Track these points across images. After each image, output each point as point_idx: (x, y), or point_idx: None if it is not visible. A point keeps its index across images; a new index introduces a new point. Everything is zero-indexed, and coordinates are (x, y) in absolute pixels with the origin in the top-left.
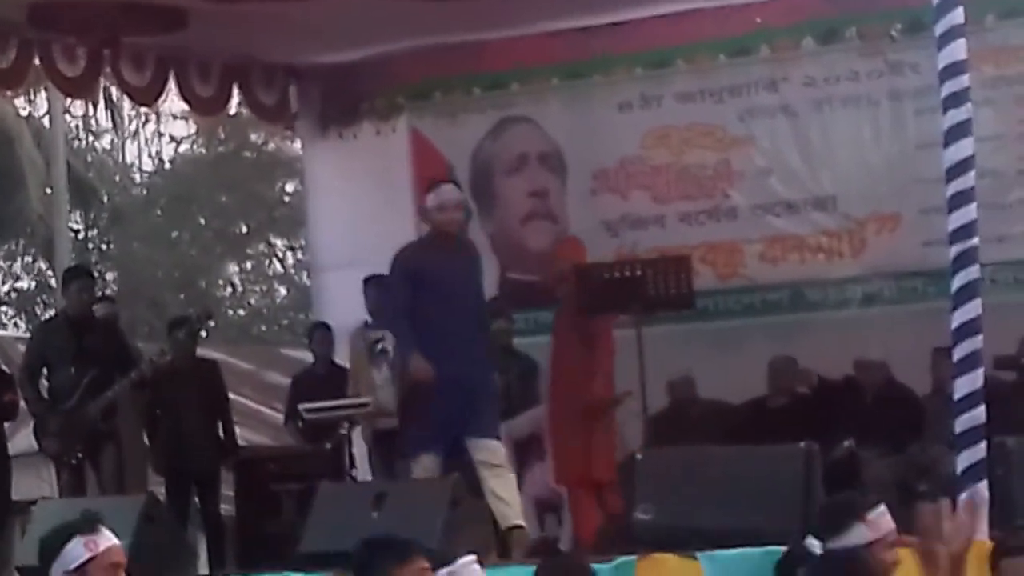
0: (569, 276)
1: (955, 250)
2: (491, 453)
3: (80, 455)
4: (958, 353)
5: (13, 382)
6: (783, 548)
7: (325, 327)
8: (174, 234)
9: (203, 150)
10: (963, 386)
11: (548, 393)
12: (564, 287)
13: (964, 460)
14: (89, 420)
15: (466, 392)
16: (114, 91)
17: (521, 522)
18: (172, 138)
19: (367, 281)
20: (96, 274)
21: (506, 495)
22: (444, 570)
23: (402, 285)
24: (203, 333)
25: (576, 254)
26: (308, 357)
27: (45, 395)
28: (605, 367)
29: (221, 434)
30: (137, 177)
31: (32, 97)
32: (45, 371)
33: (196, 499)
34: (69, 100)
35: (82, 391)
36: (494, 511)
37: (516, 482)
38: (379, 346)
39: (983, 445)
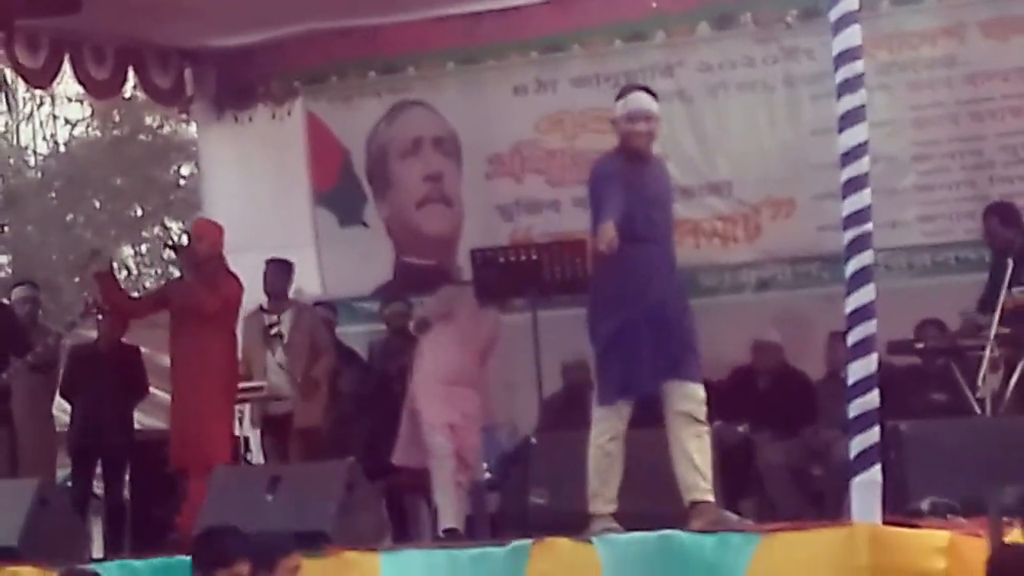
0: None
1: (849, 235)
2: (694, 404)
3: None
4: (852, 338)
5: None
6: (677, 532)
7: None
8: (69, 217)
9: (98, 133)
10: (857, 371)
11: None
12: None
13: (858, 445)
14: None
15: (667, 327)
16: (8, 73)
17: (710, 498)
18: (67, 121)
19: (269, 263)
20: None
21: (701, 462)
22: None
23: (608, 186)
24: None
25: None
26: None
27: None
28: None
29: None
30: (32, 160)
31: None
32: None
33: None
34: None
35: None
36: (680, 477)
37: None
38: (274, 330)
39: (876, 430)
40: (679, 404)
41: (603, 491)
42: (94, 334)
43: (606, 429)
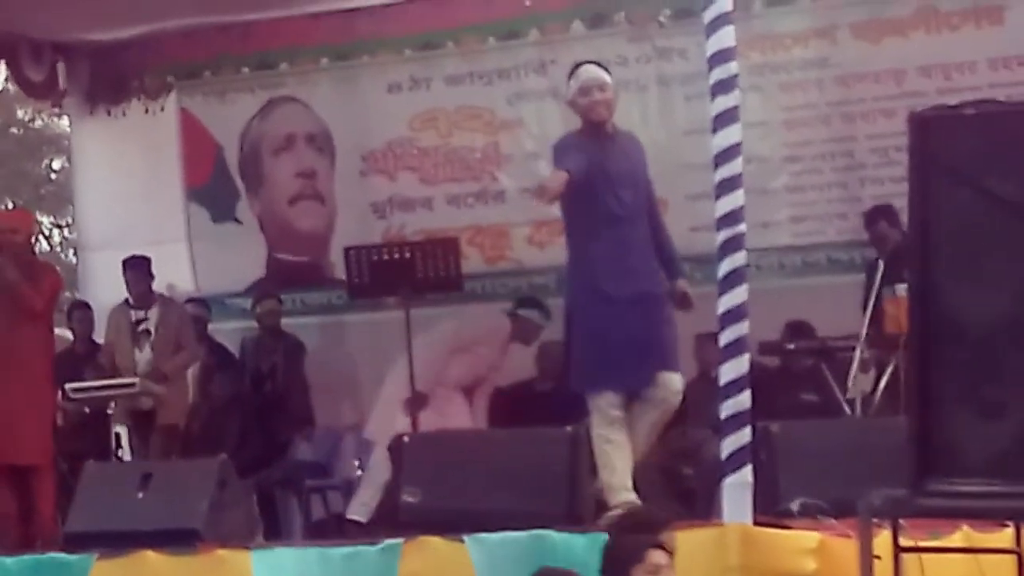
0: None
1: (722, 236)
2: (676, 393)
3: None
4: (724, 338)
5: None
6: (548, 532)
7: (85, 306)
8: None
9: None
10: (729, 371)
11: None
12: None
13: (729, 445)
14: None
15: (644, 312)
16: None
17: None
18: None
19: (126, 263)
20: None
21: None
22: None
23: (565, 152)
24: None
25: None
26: (70, 336)
27: None
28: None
29: None
30: None
31: None
32: None
33: None
34: None
35: None
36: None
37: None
38: (141, 326)
39: (748, 430)
40: (663, 395)
41: (612, 481)
42: None
43: (597, 419)
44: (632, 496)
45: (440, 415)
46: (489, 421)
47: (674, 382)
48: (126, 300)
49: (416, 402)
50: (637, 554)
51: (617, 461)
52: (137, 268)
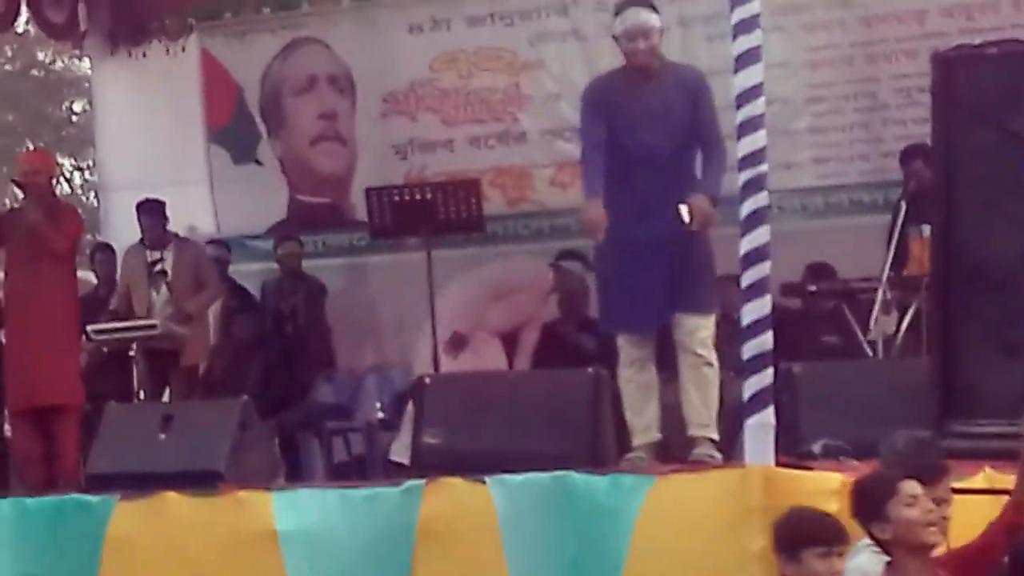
0: None
1: (744, 176)
2: (694, 337)
3: None
4: (746, 280)
5: None
6: (571, 473)
7: (108, 248)
8: None
9: None
10: (751, 312)
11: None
12: None
13: (751, 386)
14: None
15: (668, 255)
16: None
17: (704, 434)
18: None
19: (140, 206)
20: None
21: (697, 397)
22: None
23: (591, 117)
24: None
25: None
26: (92, 278)
27: None
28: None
29: None
30: None
31: None
32: None
33: None
34: None
35: None
36: (684, 411)
37: (716, 379)
38: (157, 267)
39: (770, 371)
40: (681, 337)
41: (636, 422)
42: None
43: (624, 360)
44: (655, 437)
45: (477, 358)
46: (533, 365)
47: (696, 324)
48: (141, 241)
49: (456, 343)
50: (890, 488)
51: (639, 402)
52: (151, 212)
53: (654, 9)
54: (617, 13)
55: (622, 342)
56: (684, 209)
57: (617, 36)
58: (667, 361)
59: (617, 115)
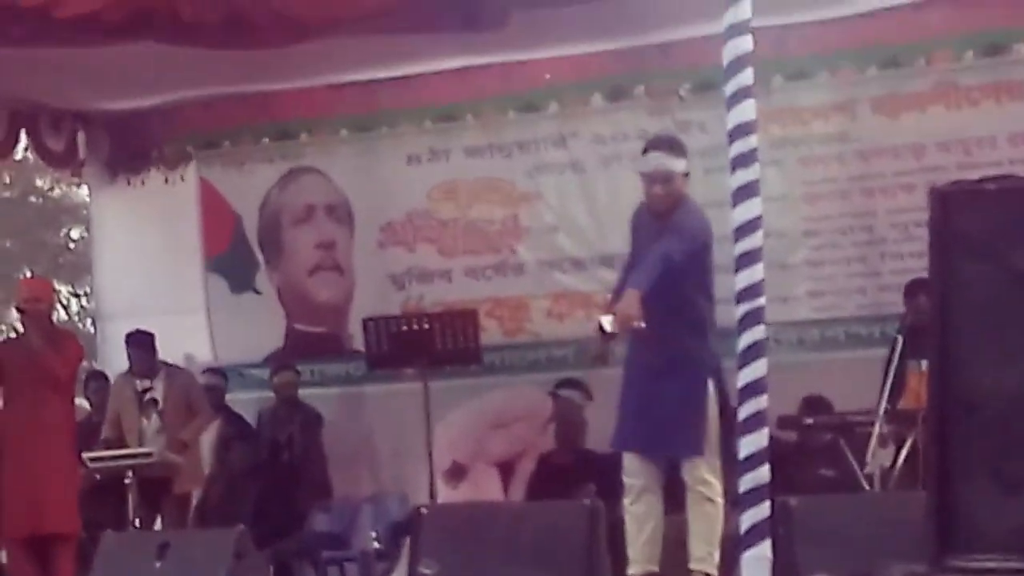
0: None
1: (742, 309)
2: (690, 472)
3: None
4: (744, 412)
5: None
6: None
7: (102, 376)
8: None
9: None
10: (748, 445)
11: None
12: None
13: (748, 519)
14: None
15: (662, 395)
16: None
17: (702, 568)
18: None
19: (129, 338)
20: None
21: (696, 531)
22: None
23: (632, 238)
24: None
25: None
26: (87, 406)
27: None
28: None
29: None
30: None
31: None
32: None
33: None
34: None
35: None
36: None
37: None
38: (148, 395)
39: (767, 504)
40: (683, 473)
41: (631, 552)
42: None
43: (627, 488)
44: (647, 569)
45: (476, 488)
46: (527, 496)
47: (693, 463)
48: (129, 369)
49: (455, 473)
50: None
51: (633, 533)
52: (140, 344)
53: (681, 152)
54: (644, 151)
55: (625, 468)
56: (606, 320)
57: (642, 174)
58: (676, 494)
59: (639, 246)
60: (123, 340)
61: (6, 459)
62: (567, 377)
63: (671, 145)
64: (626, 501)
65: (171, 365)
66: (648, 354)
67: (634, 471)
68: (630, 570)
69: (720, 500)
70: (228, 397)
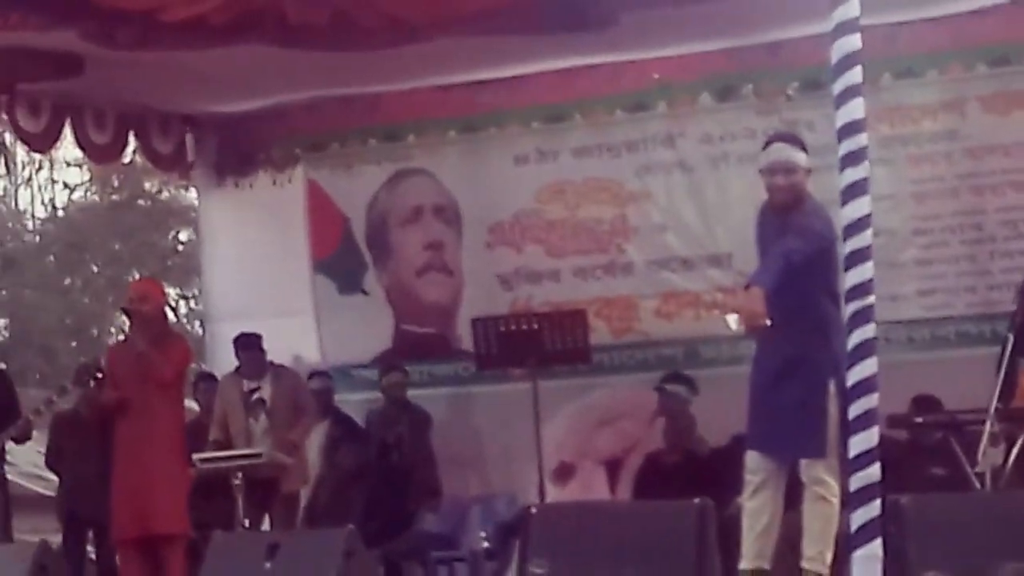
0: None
1: (852, 308)
2: (805, 471)
3: None
4: (854, 411)
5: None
6: None
7: (210, 377)
8: (67, 281)
9: (96, 198)
10: (859, 444)
11: None
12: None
13: (859, 518)
14: None
15: (783, 396)
16: (7, 137)
17: (814, 567)
18: (66, 185)
19: (237, 341)
20: None
21: (809, 530)
22: None
23: (759, 237)
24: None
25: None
26: (196, 407)
27: None
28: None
29: None
30: (30, 224)
31: None
32: None
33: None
34: None
35: None
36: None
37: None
38: (255, 396)
39: (877, 503)
40: (802, 474)
41: (744, 547)
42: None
43: (745, 483)
44: (756, 564)
45: (583, 487)
46: (634, 495)
47: (807, 463)
48: (237, 369)
49: (563, 472)
50: None
51: (747, 527)
52: (249, 346)
53: (802, 147)
54: (765, 145)
55: (747, 464)
56: (731, 319)
57: (761, 170)
58: (792, 492)
59: (764, 244)
60: (231, 342)
61: (116, 461)
62: (673, 372)
63: (792, 138)
64: (744, 496)
65: (279, 366)
66: (771, 354)
67: (754, 467)
68: (741, 564)
69: (836, 500)
70: (336, 398)
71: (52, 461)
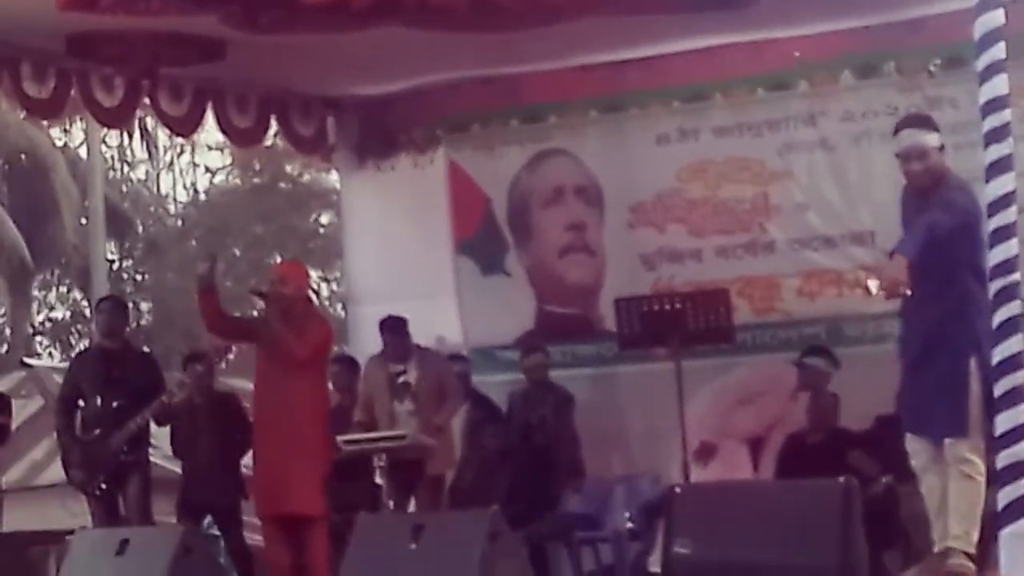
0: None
1: (995, 286)
2: (949, 450)
3: (104, 485)
4: (999, 389)
5: (8, 405)
6: None
7: (347, 359)
8: None
9: (238, 181)
10: (1004, 422)
11: None
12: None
13: (1006, 496)
14: (112, 450)
15: (924, 374)
16: (149, 121)
17: (959, 546)
18: (207, 169)
19: (382, 324)
20: (131, 304)
21: (954, 508)
22: None
23: (902, 214)
24: (223, 364)
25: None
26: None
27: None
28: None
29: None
30: (172, 207)
31: (68, 127)
32: (81, 402)
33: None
34: (105, 131)
35: (107, 421)
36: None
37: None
38: (400, 379)
39: (1023, 481)
40: (946, 453)
41: (936, 526)
42: (233, 382)
43: (913, 468)
44: (943, 546)
45: (726, 466)
46: (777, 474)
47: (950, 441)
48: (382, 352)
49: (705, 452)
50: None
51: (929, 511)
52: (394, 329)
53: (932, 127)
54: (895, 132)
55: (908, 447)
56: (872, 284)
57: (896, 154)
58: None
59: (907, 222)
60: (374, 324)
61: (257, 440)
62: (812, 345)
63: (921, 121)
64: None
65: (424, 348)
66: (913, 332)
67: (913, 450)
68: (939, 543)
69: (981, 479)
70: (478, 379)
71: (174, 449)
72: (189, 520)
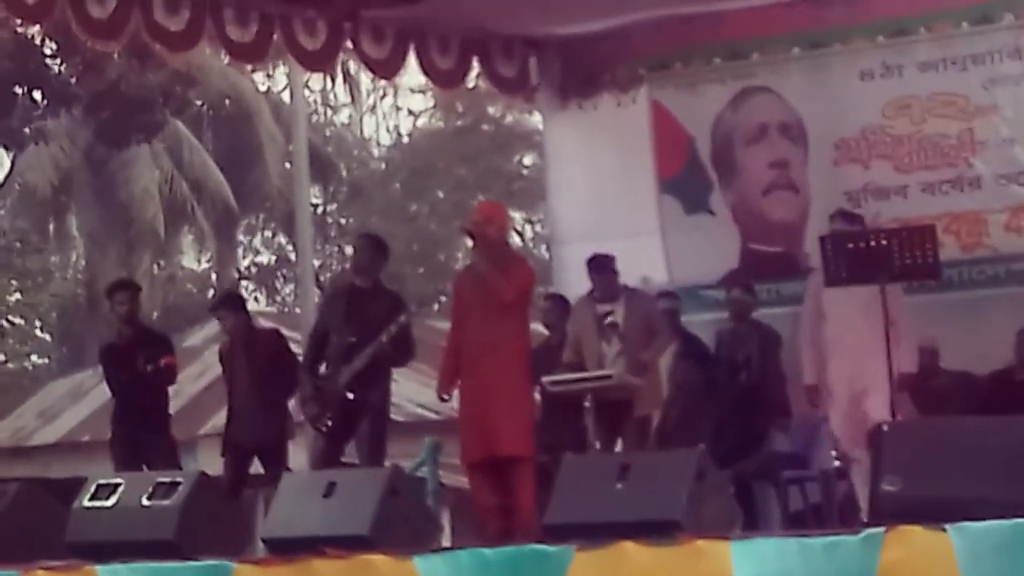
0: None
1: None
2: None
3: (330, 422)
4: None
5: (170, 344)
6: None
7: (558, 298)
8: (412, 208)
9: (441, 123)
10: None
11: None
12: None
13: None
14: (338, 388)
15: None
16: (352, 64)
17: None
18: (410, 112)
19: (590, 262)
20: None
21: None
22: None
23: None
24: (435, 306)
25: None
26: (543, 329)
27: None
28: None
29: None
30: (375, 151)
31: (271, 72)
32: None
33: None
34: (308, 74)
35: (340, 358)
36: None
37: None
38: (608, 319)
39: None
40: None
41: None
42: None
43: None
44: None
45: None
46: (984, 410)
47: None
48: (590, 292)
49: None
50: None
51: None
52: (602, 267)
53: None
54: None
55: None
56: None
57: None
58: None
59: None
60: (578, 265)
61: (463, 384)
62: None
63: None
64: None
65: (631, 288)
66: None
67: None
68: None
69: None
70: (684, 319)
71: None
72: (234, 460)
